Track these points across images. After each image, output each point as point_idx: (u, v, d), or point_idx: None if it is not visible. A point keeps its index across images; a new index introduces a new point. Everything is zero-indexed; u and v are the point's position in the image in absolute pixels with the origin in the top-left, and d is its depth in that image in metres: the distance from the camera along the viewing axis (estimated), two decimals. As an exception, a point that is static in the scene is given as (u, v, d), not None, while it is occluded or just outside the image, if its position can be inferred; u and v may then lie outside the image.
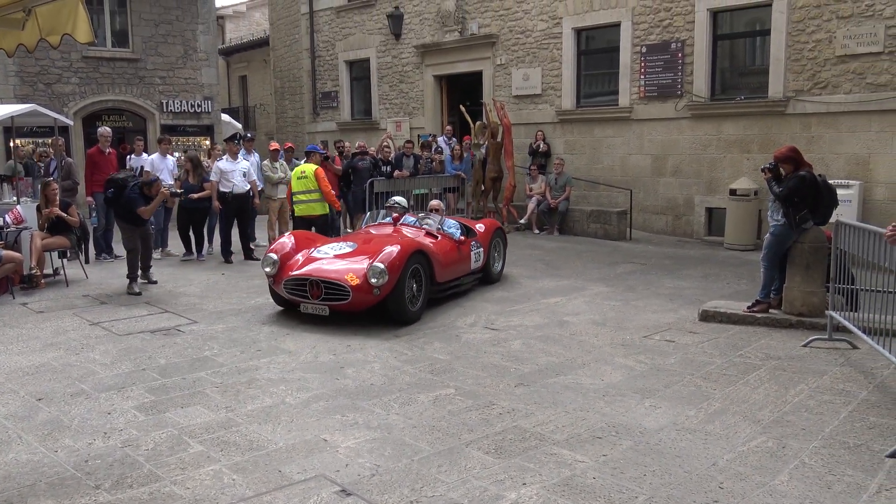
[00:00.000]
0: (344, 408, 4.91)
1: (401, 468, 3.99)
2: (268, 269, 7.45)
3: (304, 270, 7.20)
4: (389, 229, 8.39)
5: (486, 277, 9.02)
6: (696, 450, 4.22)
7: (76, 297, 8.37)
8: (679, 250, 11.85)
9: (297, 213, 9.81)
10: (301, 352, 6.23)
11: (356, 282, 6.89)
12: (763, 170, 7.02)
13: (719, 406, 4.92)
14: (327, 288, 6.98)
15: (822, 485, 3.78)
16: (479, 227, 9.26)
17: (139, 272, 8.83)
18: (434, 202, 9.97)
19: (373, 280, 6.82)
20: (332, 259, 7.35)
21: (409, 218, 8.78)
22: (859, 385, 5.31)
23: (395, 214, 8.72)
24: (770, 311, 7.06)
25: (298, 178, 9.69)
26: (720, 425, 4.59)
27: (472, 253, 8.54)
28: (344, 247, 7.64)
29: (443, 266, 7.77)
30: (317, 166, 9.78)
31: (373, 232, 8.36)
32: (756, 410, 4.83)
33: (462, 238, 8.47)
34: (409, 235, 8.06)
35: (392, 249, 7.05)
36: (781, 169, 6.83)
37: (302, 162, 10.57)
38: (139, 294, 8.50)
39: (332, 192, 9.96)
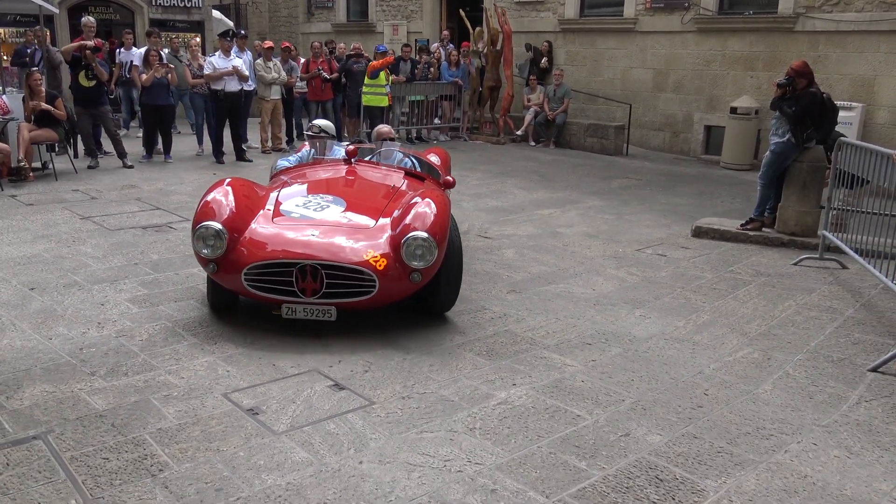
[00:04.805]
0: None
1: (392, 366, 4.05)
2: (206, 252, 4.36)
3: (287, 240, 4.45)
4: (344, 169, 5.66)
5: None
6: (683, 358, 4.30)
7: (66, 192, 8.27)
8: (675, 167, 11.77)
9: (364, 103, 11.75)
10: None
11: (382, 263, 4.39)
12: (778, 85, 6.86)
13: (708, 318, 4.99)
14: (331, 276, 4.33)
15: (804, 395, 3.87)
16: (433, 158, 6.68)
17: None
18: (383, 127, 6.86)
19: (413, 261, 4.36)
20: (326, 225, 4.60)
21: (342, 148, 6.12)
22: (846, 303, 5.38)
23: (351, 146, 5.93)
24: (763, 229, 7.09)
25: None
26: (708, 336, 4.66)
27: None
28: (324, 203, 4.91)
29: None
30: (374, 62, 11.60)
31: (343, 174, 5.59)
32: (744, 324, 4.90)
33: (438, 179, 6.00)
34: (396, 183, 5.40)
35: (423, 208, 4.57)
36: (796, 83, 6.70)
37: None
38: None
39: (381, 66, 11.70)
